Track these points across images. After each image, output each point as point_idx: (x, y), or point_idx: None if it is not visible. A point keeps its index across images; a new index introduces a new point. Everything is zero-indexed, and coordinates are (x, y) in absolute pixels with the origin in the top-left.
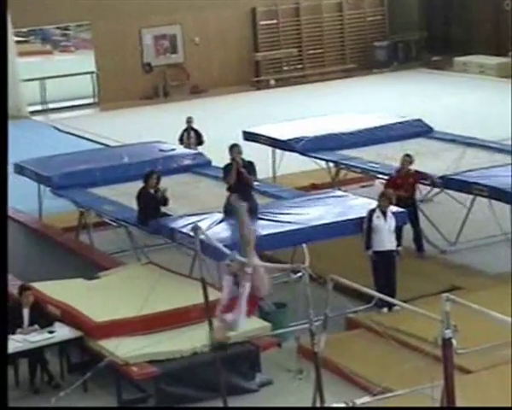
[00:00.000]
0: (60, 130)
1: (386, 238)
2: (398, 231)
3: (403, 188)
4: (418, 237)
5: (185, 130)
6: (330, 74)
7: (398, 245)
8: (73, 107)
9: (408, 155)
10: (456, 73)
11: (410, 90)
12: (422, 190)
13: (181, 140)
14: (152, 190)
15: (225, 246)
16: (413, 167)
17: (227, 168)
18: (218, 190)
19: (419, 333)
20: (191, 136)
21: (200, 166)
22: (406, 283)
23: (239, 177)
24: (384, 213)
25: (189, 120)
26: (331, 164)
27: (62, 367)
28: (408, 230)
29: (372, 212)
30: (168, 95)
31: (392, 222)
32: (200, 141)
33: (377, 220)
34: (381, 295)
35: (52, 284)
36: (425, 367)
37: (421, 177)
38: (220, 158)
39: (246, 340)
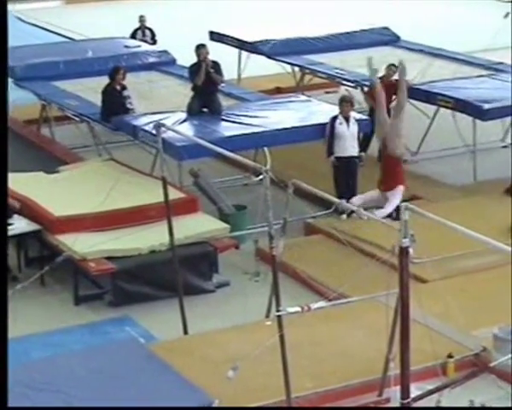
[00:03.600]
0: (24, 21)
1: (348, 144)
2: (367, 139)
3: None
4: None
5: (138, 28)
6: None
7: (361, 151)
8: None
9: (393, 65)
10: None
11: None
12: None
13: (133, 39)
14: (118, 87)
15: (187, 146)
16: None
17: (193, 68)
18: (182, 90)
19: (377, 241)
20: (146, 34)
21: (165, 65)
22: (366, 190)
23: (207, 77)
24: (347, 119)
25: (142, 19)
26: (296, 68)
27: (20, 260)
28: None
29: (335, 118)
30: None
31: (355, 128)
32: (154, 40)
33: (340, 127)
34: (341, 201)
35: (12, 176)
36: (381, 275)
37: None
38: (183, 56)
39: (204, 240)
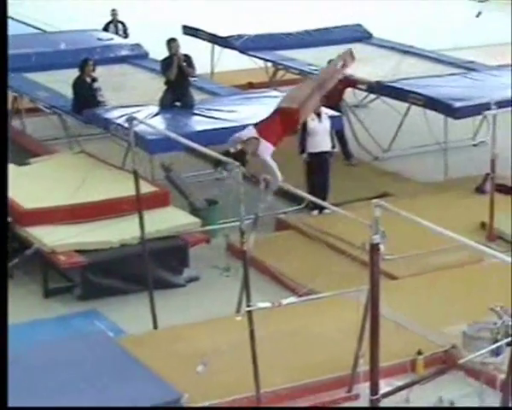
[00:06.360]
0: None
1: (321, 139)
2: (341, 136)
3: (332, 94)
4: (344, 145)
5: (110, 22)
6: None
7: (333, 147)
8: None
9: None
10: None
11: None
12: (358, 95)
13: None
14: (88, 79)
15: (159, 139)
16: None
17: (165, 62)
18: (154, 83)
19: (348, 237)
20: (119, 28)
21: (138, 58)
22: (338, 187)
23: (179, 71)
24: (318, 115)
25: (114, 13)
26: (269, 64)
27: None
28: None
29: None
30: None
31: (327, 123)
32: (126, 34)
33: (312, 123)
34: (312, 198)
35: None
36: (352, 271)
37: (350, 83)
38: (155, 50)
39: (175, 234)
